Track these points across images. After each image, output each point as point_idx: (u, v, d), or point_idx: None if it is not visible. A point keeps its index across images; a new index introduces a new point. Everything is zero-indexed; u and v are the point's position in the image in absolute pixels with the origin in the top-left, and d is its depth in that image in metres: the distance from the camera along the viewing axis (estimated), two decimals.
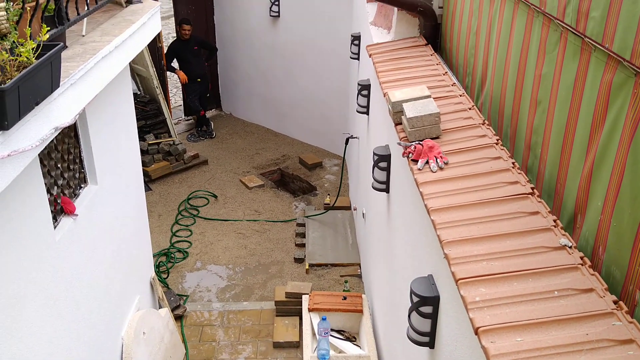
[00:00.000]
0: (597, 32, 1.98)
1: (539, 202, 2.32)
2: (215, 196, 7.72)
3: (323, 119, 8.75)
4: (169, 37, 13.23)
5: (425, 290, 2.52)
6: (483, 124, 3.01)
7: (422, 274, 2.70)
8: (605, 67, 1.95)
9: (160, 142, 8.17)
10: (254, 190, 7.89)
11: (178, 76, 8.92)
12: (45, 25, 2.42)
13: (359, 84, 5.15)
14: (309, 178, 8.22)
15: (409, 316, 2.64)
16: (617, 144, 1.87)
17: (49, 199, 3.02)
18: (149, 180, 7.86)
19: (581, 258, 1.99)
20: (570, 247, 2.05)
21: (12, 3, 2.44)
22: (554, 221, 2.20)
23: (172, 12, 9.54)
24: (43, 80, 2.34)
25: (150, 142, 8.08)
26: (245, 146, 9.10)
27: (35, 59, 2.28)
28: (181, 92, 9.61)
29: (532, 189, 2.40)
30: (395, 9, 4.50)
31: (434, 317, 2.55)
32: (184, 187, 7.90)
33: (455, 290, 2.05)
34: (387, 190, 3.93)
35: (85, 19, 3.31)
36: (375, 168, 3.84)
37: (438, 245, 2.26)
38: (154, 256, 5.82)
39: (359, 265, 6.29)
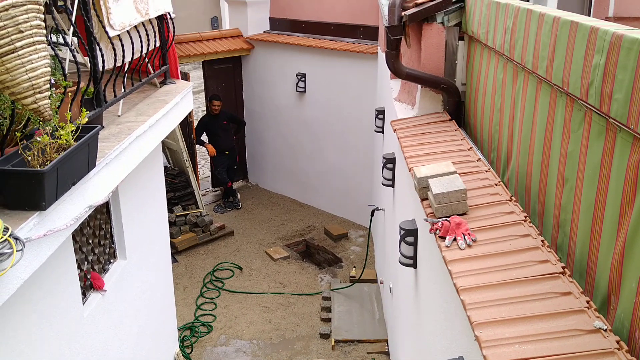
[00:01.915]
0: (622, 113, 1.99)
1: (571, 282, 2.27)
2: (241, 268, 7.71)
3: (348, 190, 8.82)
4: (199, 110, 13.67)
5: None
6: (510, 201, 3.00)
7: (453, 355, 2.62)
8: (632, 148, 1.96)
9: (188, 214, 8.29)
10: (279, 261, 7.86)
11: (207, 149, 9.16)
12: (84, 109, 2.54)
13: (384, 157, 5.20)
14: (335, 249, 8.18)
15: None
16: None
17: (79, 274, 3.06)
18: (176, 252, 7.91)
19: (617, 342, 1.92)
20: (605, 330, 1.98)
21: (54, 88, 2.58)
22: (587, 302, 2.14)
23: (203, 87, 9.92)
24: (80, 161, 2.44)
25: (178, 214, 8.20)
26: (271, 217, 9.16)
27: (74, 140, 2.37)
28: (209, 163, 9.84)
29: (563, 268, 2.36)
30: (419, 85, 4.61)
31: None
32: (210, 259, 7.92)
33: None
34: (414, 265, 3.89)
35: (122, 99, 3.47)
36: (402, 242, 3.81)
37: (468, 325, 2.21)
38: (178, 330, 5.77)
39: (387, 341, 6.13)
